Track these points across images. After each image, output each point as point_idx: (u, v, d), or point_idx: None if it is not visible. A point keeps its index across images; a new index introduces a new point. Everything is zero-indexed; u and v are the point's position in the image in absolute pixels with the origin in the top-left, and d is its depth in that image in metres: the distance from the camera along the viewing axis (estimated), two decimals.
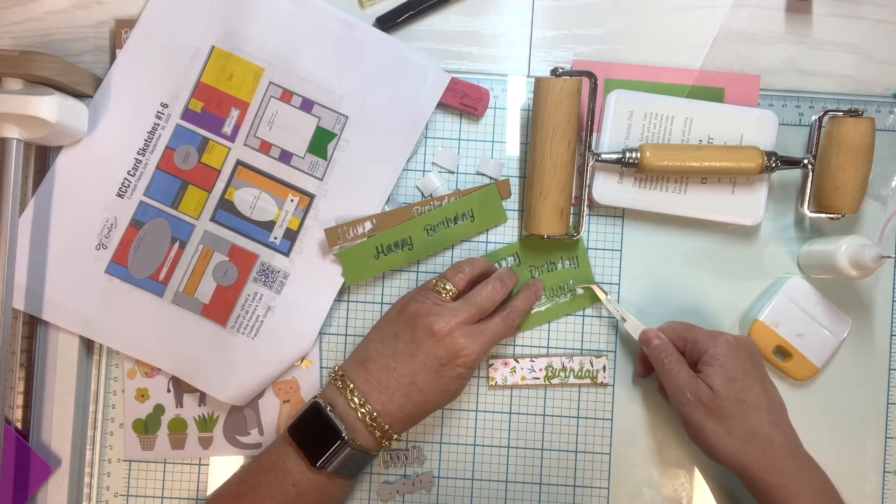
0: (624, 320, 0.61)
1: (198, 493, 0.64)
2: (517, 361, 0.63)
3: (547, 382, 0.63)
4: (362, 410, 0.55)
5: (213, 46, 0.62)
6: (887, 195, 0.64)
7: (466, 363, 0.55)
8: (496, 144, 0.64)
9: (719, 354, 0.56)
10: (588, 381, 0.63)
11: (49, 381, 0.61)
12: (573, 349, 0.64)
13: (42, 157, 0.63)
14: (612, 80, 0.63)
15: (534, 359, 0.63)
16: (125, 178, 0.62)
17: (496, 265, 0.63)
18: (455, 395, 0.57)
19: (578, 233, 0.62)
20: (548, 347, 0.64)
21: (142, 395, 0.63)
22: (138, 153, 0.62)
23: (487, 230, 0.64)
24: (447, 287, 0.58)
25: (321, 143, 0.62)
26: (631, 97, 0.62)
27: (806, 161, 0.61)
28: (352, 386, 0.56)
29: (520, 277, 0.63)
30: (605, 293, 0.62)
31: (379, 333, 0.58)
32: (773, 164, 0.60)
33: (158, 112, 0.62)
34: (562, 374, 0.63)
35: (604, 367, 0.63)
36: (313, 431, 0.55)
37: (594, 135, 0.62)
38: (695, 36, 0.64)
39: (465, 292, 0.58)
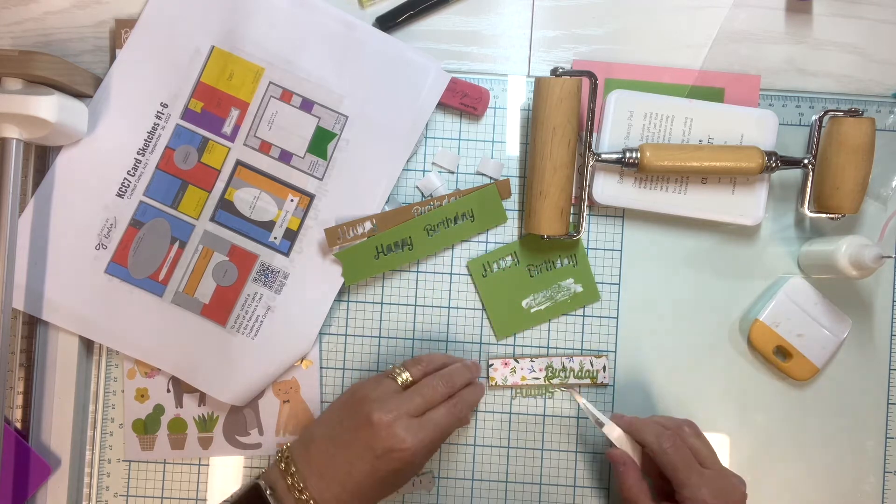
0: (601, 424, 0.59)
1: (198, 493, 0.64)
2: (517, 361, 0.63)
3: (547, 382, 0.63)
4: (301, 497, 0.52)
5: (213, 46, 0.62)
6: (887, 195, 0.64)
7: (402, 457, 0.52)
8: (496, 144, 0.64)
9: None
10: (588, 381, 0.63)
11: (49, 381, 0.61)
12: (573, 349, 0.64)
13: (42, 157, 0.63)
14: (612, 80, 0.63)
15: (534, 359, 0.63)
16: (125, 178, 0.62)
17: (458, 358, 0.61)
18: (396, 489, 0.56)
19: (578, 233, 0.62)
20: (548, 347, 0.64)
21: (142, 395, 0.63)
22: (138, 153, 0.62)
23: (487, 230, 0.64)
24: (403, 375, 0.56)
25: (321, 143, 0.62)
26: (631, 97, 0.62)
27: (806, 161, 0.61)
28: (293, 469, 0.54)
29: (519, 277, 0.63)
30: (581, 396, 0.61)
31: (328, 416, 0.57)
32: (773, 164, 0.60)
33: (158, 112, 0.62)
34: (562, 375, 0.63)
35: (604, 367, 0.63)
36: None
37: (594, 135, 0.62)
38: (695, 36, 0.64)
39: None
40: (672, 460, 0.55)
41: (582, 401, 0.60)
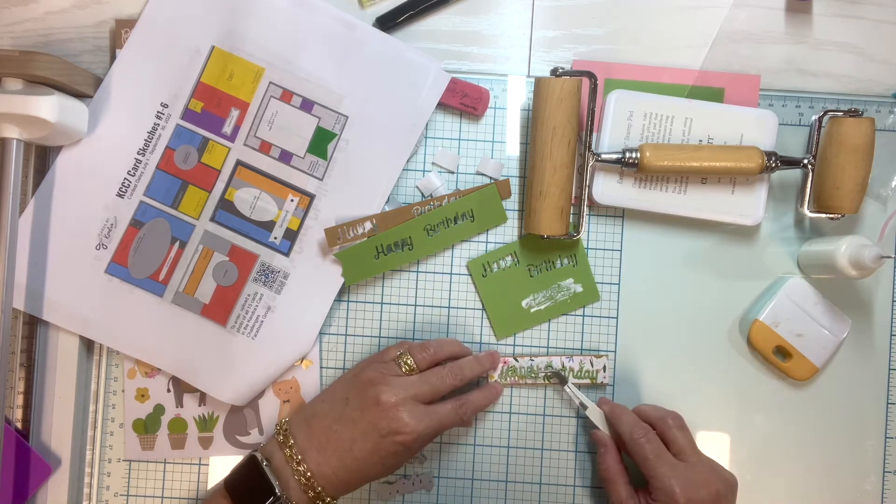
0: (585, 408, 0.61)
1: (198, 493, 0.64)
2: (517, 361, 0.63)
3: (547, 382, 0.63)
4: (299, 469, 0.54)
5: (213, 46, 0.62)
6: (887, 195, 0.64)
7: (405, 441, 0.54)
8: (496, 144, 0.64)
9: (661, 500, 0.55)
10: (588, 381, 0.63)
11: (49, 381, 0.61)
12: (573, 349, 0.64)
13: (42, 157, 0.63)
14: (612, 80, 0.63)
15: (533, 358, 0.63)
16: (125, 178, 0.62)
17: (469, 348, 0.62)
18: (392, 470, 0.56)
19: (578, 233, 0.62)
20: (548, 347, 0.64)
21: (142, 395, 0.63)
22: (138, 153, 0.62)
23: (487, 230, 0.64)
24: (408, 362, 0.57)
25: (321, 143, 0.62)
26: (631, 97, 0.62)
27: (806, 161, 0.61)
28: (292, 442, 0.55)
29: (519, 277, 0.63)
30: (566, 380, 0.62)
31: (331, 394, 0.58)
32: (773, 164, 0.60)
33: (158, 112, 0.62)
34: (560, 374, 0.63)
35: (604, 368, 0.63)
36: (248, 486, 0.54)
37: (594, 135, 0.62)
38: (695, 36, 0.64)
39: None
40: (642, 451, 0.56)
41: (568, 384, 0.61)
